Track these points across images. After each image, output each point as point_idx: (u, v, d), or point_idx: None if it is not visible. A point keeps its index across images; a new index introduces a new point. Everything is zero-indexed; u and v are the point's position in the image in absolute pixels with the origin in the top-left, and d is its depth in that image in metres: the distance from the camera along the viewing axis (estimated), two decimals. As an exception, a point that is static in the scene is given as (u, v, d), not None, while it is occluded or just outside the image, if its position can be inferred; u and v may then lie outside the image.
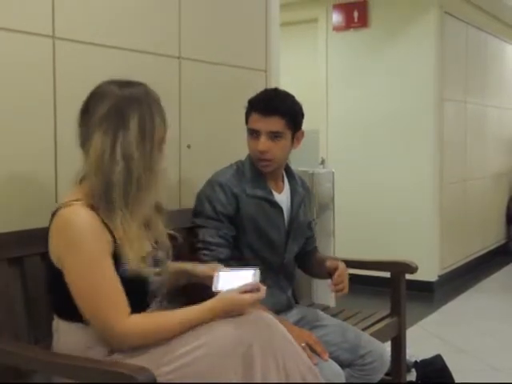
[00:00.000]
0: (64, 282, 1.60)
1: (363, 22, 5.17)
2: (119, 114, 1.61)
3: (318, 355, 1.97)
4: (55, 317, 1.71)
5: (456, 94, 5.47)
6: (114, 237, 1.61)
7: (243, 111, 2.23)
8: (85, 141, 1.64)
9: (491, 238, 6.49)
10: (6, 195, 1.91)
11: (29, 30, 1.96)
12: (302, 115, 2.23)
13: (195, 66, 2.60)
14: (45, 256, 1.70)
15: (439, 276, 5.15)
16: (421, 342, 3.58)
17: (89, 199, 1.61)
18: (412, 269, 2.62)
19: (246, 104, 2.22)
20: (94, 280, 1.57)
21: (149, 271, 1.67)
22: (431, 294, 4.97)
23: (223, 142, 2.74)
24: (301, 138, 2.24)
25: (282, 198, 2.28)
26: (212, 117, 2.70)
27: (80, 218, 1.57)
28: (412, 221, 5.06)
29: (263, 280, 1.76)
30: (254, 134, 2.17)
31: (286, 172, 2.35)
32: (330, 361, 2.01)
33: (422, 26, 5.01)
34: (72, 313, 1.62)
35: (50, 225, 1.64)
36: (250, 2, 2.94)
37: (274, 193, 2.26)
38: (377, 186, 5.16)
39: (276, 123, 2.14)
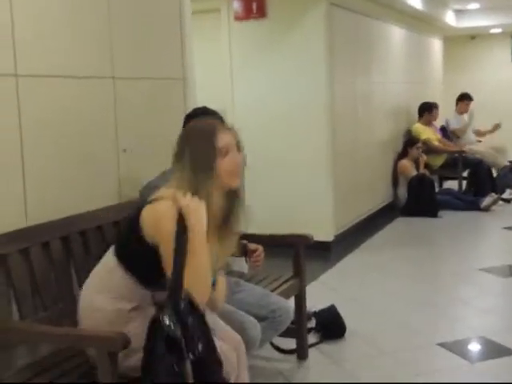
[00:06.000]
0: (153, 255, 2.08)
1: (261, 12, 5.74)
2: None
3: None
4: (116, 260, 2.18)
5: (345, 75, 6.19)
6: None
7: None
8: None
9: (379, 198, 7.37)
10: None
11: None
12: None
13: (126, 82, 3.11)
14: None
15: (335, 236, 5.92)
16: (319, 295, 4.31)
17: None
18: (309, 240, 3.31)
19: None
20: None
21: None
22: (328, 253, 5.71)
23: (154, 145, 3.28)
24: None
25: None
26: (143, 125, 3.23)
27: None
28: (310, 190, 5.78)
29: None
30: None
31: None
32: (250, 317, 2.66)
33: (313, 17, 5.64)
34: (141, 271, 2.14)
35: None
36: (166, 20, 3.46)
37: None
38: (279, 159, 5.82)
39: None
